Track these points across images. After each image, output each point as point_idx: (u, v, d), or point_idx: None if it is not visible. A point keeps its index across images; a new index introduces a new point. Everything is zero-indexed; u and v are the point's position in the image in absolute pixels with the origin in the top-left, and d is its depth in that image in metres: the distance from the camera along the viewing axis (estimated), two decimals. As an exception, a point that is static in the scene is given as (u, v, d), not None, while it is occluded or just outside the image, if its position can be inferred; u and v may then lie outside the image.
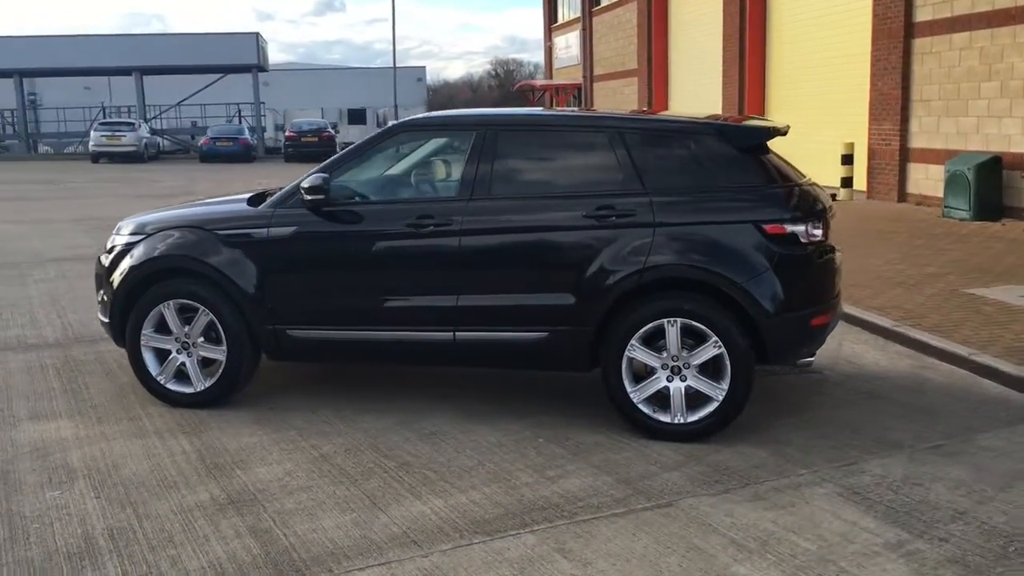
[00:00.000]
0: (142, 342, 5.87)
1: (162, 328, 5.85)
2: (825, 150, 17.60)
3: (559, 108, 6.24)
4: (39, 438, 5.40)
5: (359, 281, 5.63)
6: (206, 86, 45.19)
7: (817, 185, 5.69)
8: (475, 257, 5.43)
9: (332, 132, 38.36)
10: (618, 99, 32.47)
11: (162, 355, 5.89)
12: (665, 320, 5.18)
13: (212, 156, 36.50)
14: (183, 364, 5.85)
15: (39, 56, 41.98)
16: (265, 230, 5.72)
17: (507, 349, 5.46)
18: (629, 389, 5.27)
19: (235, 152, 36.62)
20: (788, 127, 5.73)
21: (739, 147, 5.28)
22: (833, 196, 16.59)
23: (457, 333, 5.46)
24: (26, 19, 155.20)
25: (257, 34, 44.64)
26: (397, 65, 54.30)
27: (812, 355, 5.52)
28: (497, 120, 5.68)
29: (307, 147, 36.28)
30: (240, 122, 45.37)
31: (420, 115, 6.09)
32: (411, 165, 6.05)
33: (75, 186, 25.62)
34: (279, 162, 36.83)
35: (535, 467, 4.91)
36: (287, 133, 38.63)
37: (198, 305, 5.75)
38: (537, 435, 5.36)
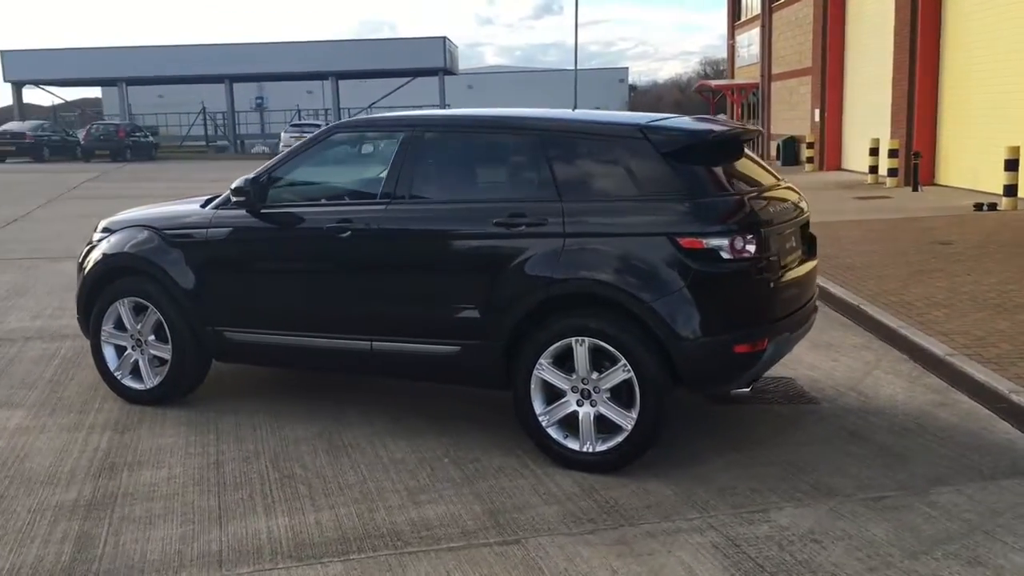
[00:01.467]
0: (102, 337, 6.01)
1: (120, 325, 5.96)
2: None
3: (503, 109, 5.82)
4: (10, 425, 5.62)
5: (286, 285, 5.53)
6: (395, 89, 46.76)
7: (778, 197, 5.08)
8: (388, 264, 5.20)
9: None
10: (794, 99, 31.01)
11: (121, 351, 6.00)
12: (573, 339, 4.75)
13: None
14: (137, 361, 5.94)
15: (251, 62, 44.87)
16: (205, 231, 5.71)
17: (421, 362, 5.18)
18: (538, 412, 4.87)
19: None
20: (738, 132, 5.16)
21: (663, 152, 4.76)
22: (990, 206, 15.31)
23: (373, 343, 5.24)
24: (263, 28, 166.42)
25: (444, 38, 45.71)
26: (601, 67, 54.10)
27: (746, 386, 4.90)
28: (423, 122, 5.40)
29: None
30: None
31: (356, 117, 5.90)
32: (343, 168, 5.87)
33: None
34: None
35: (414, 489, 4.62)
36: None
37: (148, 304, 5.82)
38: (447, 455, 5.06)
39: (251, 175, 5.54)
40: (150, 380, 5.90)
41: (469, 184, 5.27)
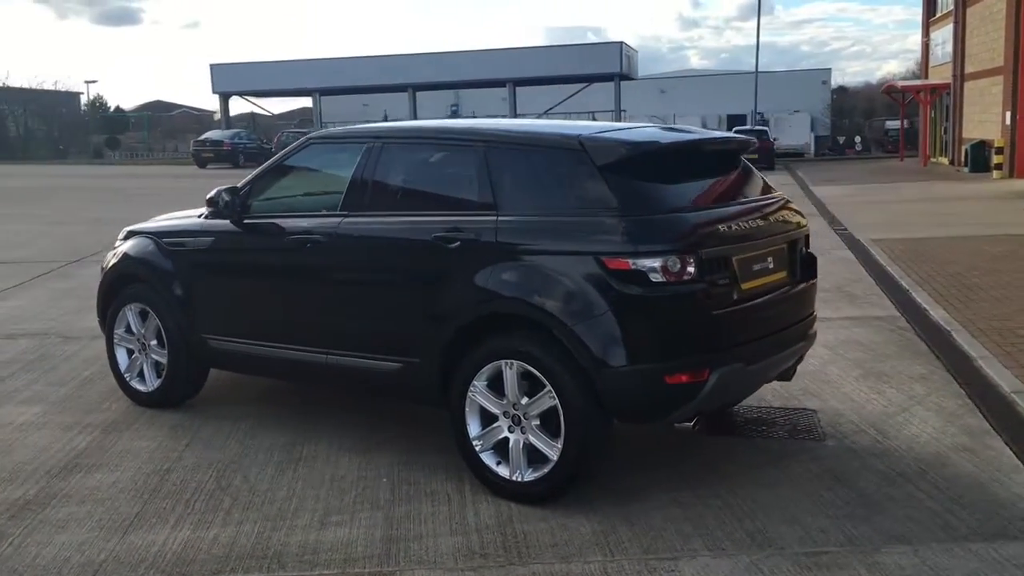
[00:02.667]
0: (115, 340, 6.26)
1: (130, 329, 6.18)
2: None
3: (472, 119, 5.62)
4: (7, 420, 5.95)
5: (258, 295, 5.56)
6: (569, 96, 46.81)
7: (751, 214, 4.64)
8: (342, 278, 5.13)
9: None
10: (986, 100, 28.72)
11: (132, 354, 6.23)
12: (503, 362, 4.51)
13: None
14: (142, 364, 6.15)
15: (433, 71, 46.21)
16: (193, 240, 5.84)
17: (369, 377, 5.07)
18: (472, 435, 4.66)
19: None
20: (700, 141, 4.76)
21: (600, 164, 4.43)
22: None
23: (329, 356, 5.18)
24: (457, 36, 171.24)
25: (621, 43, 45.38)
26: (802, 68, 52.23)
27: (689, 419, 4.47)
28: (384, 133, 5.28)
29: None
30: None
31: (332, 128, 5.84)
32: (315, 179, 5.82)
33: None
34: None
35: (332, 509, 4.51)
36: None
37: (149, 310, 6.02)
38: (390, 474, 4.92)
39: (235, 185, 5.62)
40: (152, 383, 6.09)
41: (415, 197, 5.11)
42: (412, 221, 4.90)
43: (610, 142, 4.52)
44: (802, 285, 5.03)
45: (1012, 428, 5.45)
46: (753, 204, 4.80)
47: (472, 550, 4.07)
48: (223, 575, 3.89)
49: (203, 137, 41.94)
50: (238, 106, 56.84)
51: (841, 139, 55.62)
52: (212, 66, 49.62)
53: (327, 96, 50.15)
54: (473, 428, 4.64)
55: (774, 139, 42.89)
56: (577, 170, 4.47)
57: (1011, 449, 5.15)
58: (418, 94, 48.88)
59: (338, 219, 5.14)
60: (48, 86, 70.47)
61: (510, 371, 4.48)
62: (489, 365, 4.54)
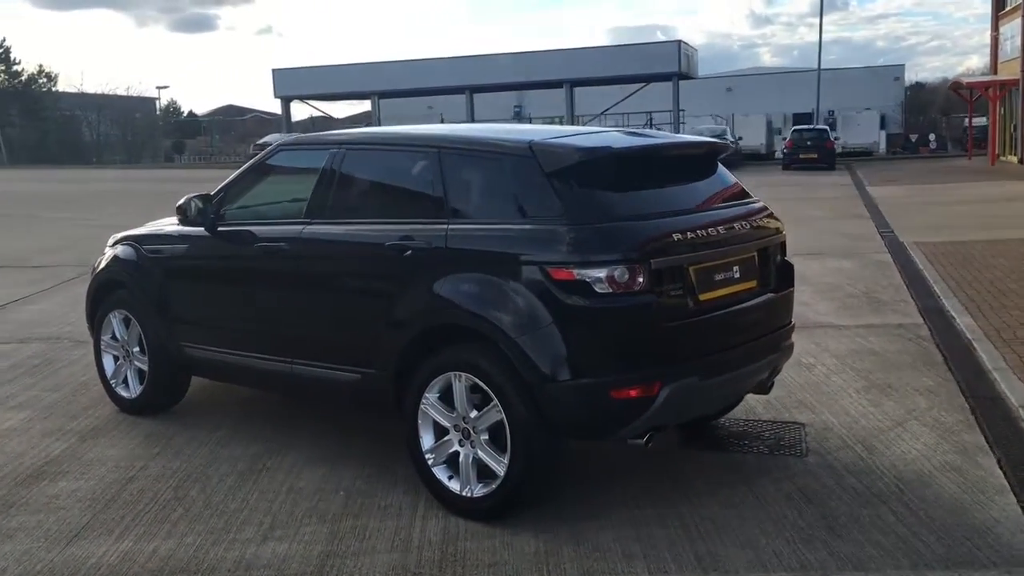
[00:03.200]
0: (101, 346, 6.29)
1: (115, 335, 6.21)
2: None
3: (432, 126, 5.52)
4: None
5: (227, 303, 5.54)
6: (627, 96, 46.44)
7: (716, 222, 4.45)
8: (302, 286, 5.06)
9: (730, 140, 37.17)
10: (1053, 96, 27.68)
11: (118, 360, 6.25)
12: (453, 374, 4.39)
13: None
14: (127, 370, 6.17)
15: (491, 73, 46.26)
16: (170, 247, 5.83)
17: (330, 387, 5.00)
18: (424, 448, 4.55)
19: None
20: (661, 146, 4.59)
21: (548, 171, 4.28)
22: None
23: (293, 365, 5.12)
24: (521, 38, 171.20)
25: (679, 42, 44.83)
26: (875, 64, 50.79)
27: (640, 436, 4.29)
28: (346, 140, 5.20)
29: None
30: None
31: (300, 135, 5.77)
32: (284, 187, 5.75)
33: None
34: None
35: (279, 523, 4.44)
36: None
37: (132, 317, 6.03)
38: (349, 488, 4.83)
39: (208, 193, 5.61)
40: (135, 390, 6.11)
41: (373, 205, 5.03)
42: (368, 229, 4.81)
43: (560, 148, 4.37)
44: (774, 295, 4.82)
45: (1008, 445, 5.16)
46: (718, 211, 4.61)
47: (406, 568, 3.96)
48: (146, 590, 3.84)
49: (261, 141, 42.50)
50: (307, 110, 57.61)
51: (914, 137, 54.21)
52: (274, 71, 50.38)
53: (390, 99, 50.45)
54: (426, 441, 4.54)
55: (836, 138, 41.99)
56: (526, 176, 4.34)
57: (1001, 468, 4.86)
58: (483, 96, 48.98)
59: (300, 227, 5.08)
60: (121, 92, 72.30)
61: (459, 384, 4.36)
62: (440, 377, 4.43)
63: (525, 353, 4.11)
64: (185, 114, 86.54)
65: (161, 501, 4.73)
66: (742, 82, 66.19)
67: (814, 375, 6.70)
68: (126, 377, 6.16)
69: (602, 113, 47.81)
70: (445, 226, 4.47)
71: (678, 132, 44.76)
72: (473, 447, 4.38)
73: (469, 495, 4.39)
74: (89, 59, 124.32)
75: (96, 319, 6.29)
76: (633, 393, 4.10)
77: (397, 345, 4.55)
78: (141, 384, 6.05)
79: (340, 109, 63.09)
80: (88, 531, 4.40)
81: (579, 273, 4.04)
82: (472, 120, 48.76)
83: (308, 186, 5.24)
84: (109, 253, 6.28)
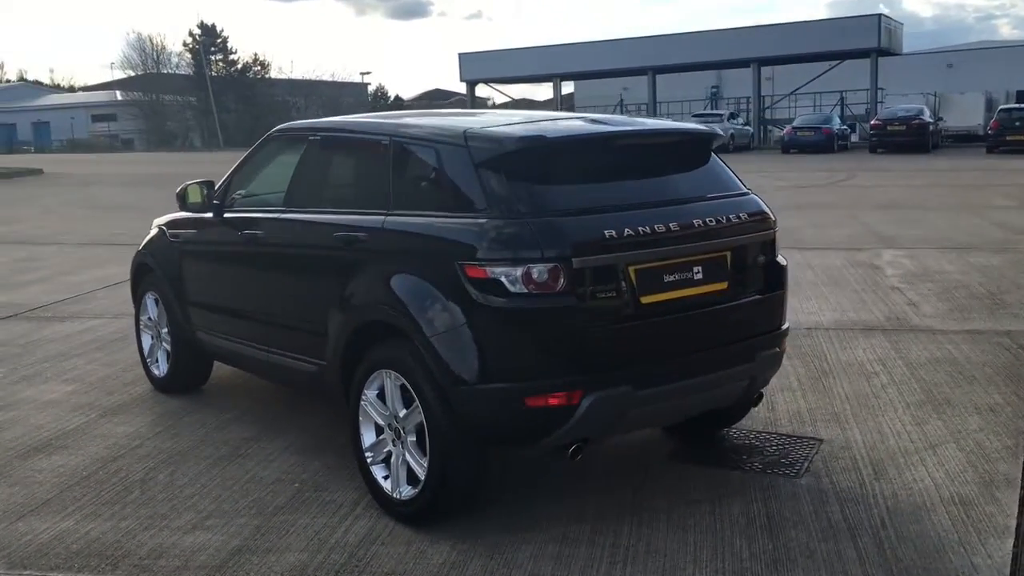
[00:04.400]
0: (140, 325, 6.54)
1: (150, 315, 6.44)
2: None
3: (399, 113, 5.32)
4: (28, 396, 6.38)
5: (225, 289, 5.60)
6: (821, 73, 44.26)
7: (672, 218, 4.06)
8: (273, 275, 5.05)
9: (926, 120, 34.61)
10: None
11: (153, 339, 6.49)
12: (384, 371, 4.24)
13: (793, 146, 35.75)
14: (158, 350, 6.39)
15: (672, 53, 45.32)
16: (184, 233, 5.96)
17: (296, 377, 4.99)
18: (364, 446, 4.42)
19: (816, 142, 35.30)
20: (612, 134, 4.24)
21: (478, 161, 4.02)
22: None
23: (269, 353, 5.13)
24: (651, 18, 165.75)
25: (879, 16, 42.28)
26: None
27: (567, 446, 3.97)
28: (323, 128, 5.11)
29: (893, 136, 33.54)
30: (842, 110, 43.28)
31: (293, 122, 5.70)
32: (275, 174, 5.70)
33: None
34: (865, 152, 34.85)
35: (219, 512, 4.43)
36: (872, 122, 36.07)
37: (159, 298, 6.24)
38: (308, 481, 4.77)
39: (211, 180, 5.69)
40: (163, 369, 6.31)
41: (334, 194, 4.93)
42: (326, 219, 4.72)
43: (492, 137, 4.10)
44: (753, 298, 4.37)
45: (1046, 481, 4.48)
46: (679, 207, 4.19)
47: (304, 570, 3.85)
48: (56, 571, 3.91)
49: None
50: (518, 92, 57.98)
51: None
52: (460, 55, 51.40)
53: (586, 81, 50.37)
54: (366, 438, 4.41)
55: None
56: (458, 167, 4.11)
57: (1020, 508, 4.22)
58: (679, 77, 48.04)
59: (276, 215, 5.06)
60: (326, 78, 75.76)
61: (390, 381, 4.21)
62: (375, 374, 4.29)
63: (438, 354, 3.90)
64: (392, 98, 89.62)
65: (127, 482, 4.84)
66: (965, 57, 61.37)
67: (870, 386, 6.08)
68: (158, 356, 6.38)
69: (792, 92, 45.80)
70: (383, 218, 4.32)
71: (874, 112, 42.34)
72: (403, 448, 4.22)
73: (398, 497, 4.23)
74: (301, 47, 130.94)
75: (136, 298, 6.54)
76: (552, 401, 3.81)
77: (341, 339, 4.45)
78: (168, 363, 6.24)
79: (543, 92, 63.36)
80: (44, 507, 4.55)
81: (492, 271, 3.78)
82: (654, 102, 47.95)
83: (285, 174, 5.23)
84: (147, 236, 6.50)
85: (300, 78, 73.90)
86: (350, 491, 4.60)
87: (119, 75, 79.10)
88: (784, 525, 4.12)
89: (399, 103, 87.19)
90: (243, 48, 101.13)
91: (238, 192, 5.62)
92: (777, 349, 4.51)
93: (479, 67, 51.04)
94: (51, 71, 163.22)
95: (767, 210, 4.54)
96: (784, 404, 5.75)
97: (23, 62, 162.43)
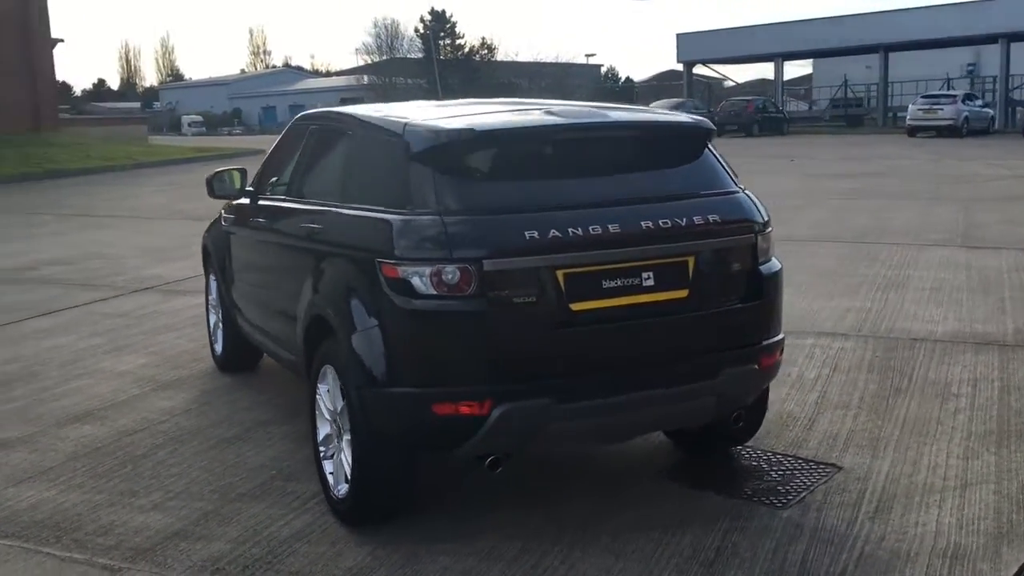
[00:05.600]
0: (208, 304, 6.83)
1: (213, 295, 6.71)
2: None
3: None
4: (107, 366, 6.81)
5: (244, 275, 5.72)
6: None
7: (614, 220, 3.74)
8: (271, 264, 5.12)
9: None
10: None
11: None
12: (327, 366, 4.18)
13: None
14: (219, 328, 6.64)
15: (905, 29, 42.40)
16: (228, 218, 6.12)
17: (289, 367, 5.03)
18: (319, 439, 4.39)
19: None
20: (548, 128, 3.95)
21: (411, 153, 3.85)
22: None
23: (269, 339, 5.20)
24: None
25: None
26: None
27: (483, 457, 3.73)
28: (318, 117, 5.10)
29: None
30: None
31: (312, 110, 5.64)
32: (292, 161, 5.66)
33: (802, 163, 25.78)
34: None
35: (183, 494, 4.50)
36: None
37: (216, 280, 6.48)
38: (288, 469, 4.78)
39: (243, 168, 5.81)
40: (219, 348, 6.56)
41: (311, 185, 4.89)
42: (299, 209, 4.74)
43: (427, 129, 3.91)
44: (719, 310, 3.95)
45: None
46: (631, 206, 3.84)
47: (218, 560, 3.85)
48: (5, 539, 4.10)
49: (653, 106, 42.69)
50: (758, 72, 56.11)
51: None
52: (679, 35, 50.35)
53: (828, 59, 48.05)
54: (320, 432, 4.37)
55: None
56: (395, 159, 3.96)
57: (1021, 571, 3.59)
58: (922, 54, 44.93)
59: (275, 204, 5.12)
60: (550, 59, 76.35)
61: (331, 377, 4.14)
62: (323, 368, 4.23)
63: (355, 352, 3.80)
64: (622, 80, 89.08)
65: (127, 457, 5.04)
66: None
67: (940, 409, 5.41)
68: (219, 335, 6.63)
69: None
70: (334, 210, 4.25)
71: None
72: (340, 444, 4.15)
73: (336, 495, 4.17)
74: (528, 30, 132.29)
75: (205, 278, 6.83)
76: (462, 410, 3.61)
77: (299, 332, 4.43)
78: (222, 343, 6.48)
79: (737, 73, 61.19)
80: (43, 475, 4.81)
81: (403, 270, 3.62)
82: (885, 81, 45.00)
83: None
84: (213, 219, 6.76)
85: (525, 60, 74.87)
86: (316, 484, 4.56)
87: (366, 60, 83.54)
88: (730, 563, 3.72)
89: (630, 85, 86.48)
90: (471, 32, 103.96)
91: (272, 179, 5.71)
92: (753, 366, 4.04)
93: (697, 47, 49.82)
94: (312, 57, 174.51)
95: (752, 213, 4.09)
96: (826, 424, 5.21)
97: (289, 48, 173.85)
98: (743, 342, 4.03)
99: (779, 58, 48.09)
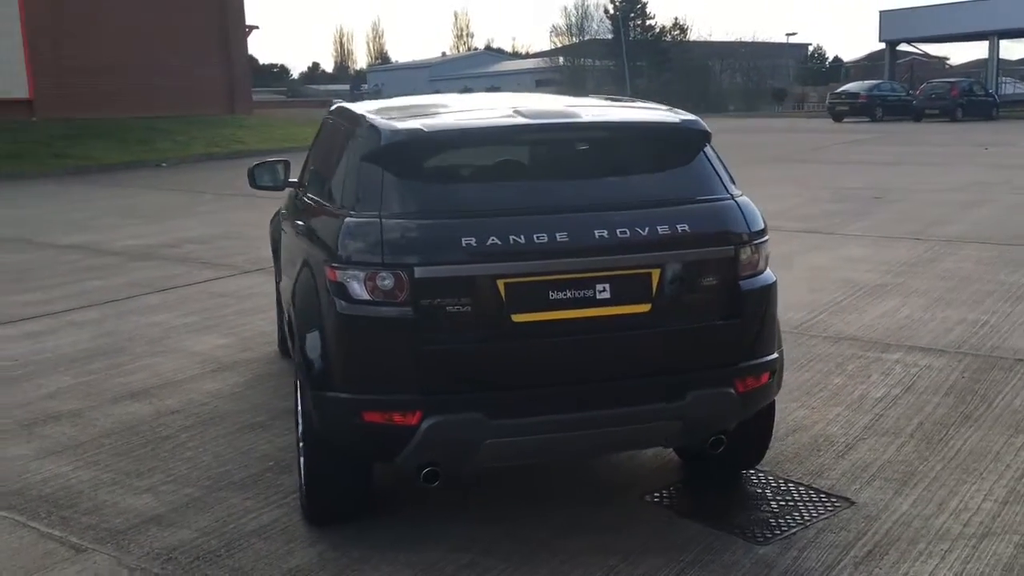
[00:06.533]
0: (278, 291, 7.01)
1: (281, 282, 6.88)
2: None
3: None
4: (186, 345, 7.12)
5: (283, 269, 5.78)
6: None
7: (563, 227, 3.53)
8: (291, 260, 5.13)
9: None
10: None
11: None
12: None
13: None
14: (284, 314, 6.80)
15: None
16: (283, 208, 6.23)
17: None
18: (299, 435, 4.39)
19: None
20: (477, 129, 3.76)
21: (364, 152, 3.76)
22: None
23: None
24: None
25: None
26: None
27: (415, 468, 3.60)
28: (331, 112, 5.04)
29: None
30: None
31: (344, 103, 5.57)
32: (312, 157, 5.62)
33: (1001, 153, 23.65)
34: None
35: (179, 482, 4.62)
36: None
37: (278, 267, 6.64)
38: (285, 461, 4.84)
39: (285, 159, 5.87)
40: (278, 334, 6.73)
41: (311, 179, 4.87)
42: (303, 206, 4.73)
43: (377, 128, 3.81)
44: (689, 327, 3.65)
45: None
46: (587, 214, 3.60)
47: (172, 551, 3.93)
48: (5, 511, 4.35)
49: (840, 89, 40.41)
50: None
51: None
52: (881, 12, 47.66)
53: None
54: (299, 429, 4.38)
55: None
56: (353, 159, 3.91)
57: None
58: None
59: (298, 198, 5.16)
60: (746, 39, 73.93)
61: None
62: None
63: (302, 353, 3.78)
64: (830, 60, 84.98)
65: (151, 437, 5.22)
66: None
67: (1004, 442, 4.85)
68: (284, 320, 6.80)
69: None
70: (315, 207, 4.24)
71: None
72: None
73: (302, 492, 4.17)
74: (726, 7, 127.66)
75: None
76: (393, 419, 3.52)
77: (286, 330, 4.46)
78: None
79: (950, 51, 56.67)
80: (70, 451, 5.06)
81: (341, 274, 3.56)
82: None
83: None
84: (281, 208, 6.91)
85: (719, 40, 72.87)
86: (305, 478, 4.60)
87: (556, 43, 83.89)
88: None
89: (838, 66, 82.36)
90: (662, 13, 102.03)
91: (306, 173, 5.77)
92: (726, 390, 3.71)
93: (902, 25, 46.88)
94: (513, 39, 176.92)
95: (734, 223, 3.75)
96: (863, 452, 4.77)
97: (492, 30, 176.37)
98: (716, 363, 3.71)
99: (994, 36, 44.52)
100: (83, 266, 10.39)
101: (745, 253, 3.74)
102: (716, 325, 3.70)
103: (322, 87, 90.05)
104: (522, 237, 3.48)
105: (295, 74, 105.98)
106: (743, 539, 3.90)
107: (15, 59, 24.76)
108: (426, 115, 4.02)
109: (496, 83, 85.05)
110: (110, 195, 17.66)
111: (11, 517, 4.29)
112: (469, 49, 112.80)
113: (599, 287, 3.54)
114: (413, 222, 3.52)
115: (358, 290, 3.49)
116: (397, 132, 3.72)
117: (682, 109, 4.29)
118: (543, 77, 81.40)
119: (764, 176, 16.88)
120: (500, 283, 3.46)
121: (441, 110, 4.25)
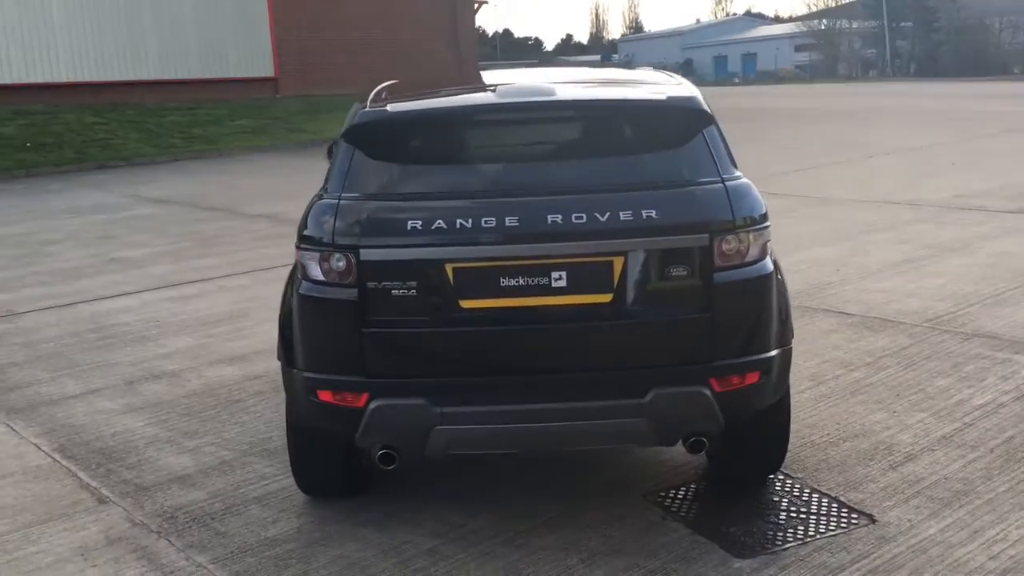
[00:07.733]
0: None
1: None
2: None
3: None
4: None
5: None
6: None
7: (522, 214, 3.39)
8: None
9: None
10: None
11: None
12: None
13: None
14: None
15: None
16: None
17: None
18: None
19: None
20: (442, 110, 3.63)
21: (343, 132, 3.75)
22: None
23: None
24: None
25: None
26: None
27: (384, 460, 3.57)
28: None
29: None
30: None
31: None
32: None
33: None
34: None
35: (223, 443, 4.86)
36: None
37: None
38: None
39: None
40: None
41: None
42: None
43: (356, 110, 3.79)
44: (655, 320, 3.40)
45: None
46: (546, 197, 3.42)
47: (175, 511, 4.15)
48: (66, 459, 4.74)
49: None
50: None
51: None
52: None
53: None
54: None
55: None
56: (341, 137, 3.88)
57: None
58: None
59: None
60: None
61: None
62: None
63: (279, 330, 3.87)
64: None
65: (225, 400, 5.50)
66: None
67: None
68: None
69: None
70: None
71: None
72: (301, 418, 4.25)
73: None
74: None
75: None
76: (345, 399, 3.53)
77: None
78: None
79: None
80: (151, 408, 5.40)
81: (301, 254, 3.61)
82: None
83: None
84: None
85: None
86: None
87: (813, 7, 79.90)
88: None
89: None
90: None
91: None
92: (699, 389, 3.42)
93: None
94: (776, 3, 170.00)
95: (714, 209, 3.43)
96: (923, 465, 4.27)
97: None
98: (686, 359, 3.43)
99: None
100: (264, 235, 11.09)
101: (728, 242, 3.42)
102: (688, 319, 3.41)
103: (572, 58, 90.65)
104: (469, 221, 3.36)
105: (550, 46, 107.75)
106: (724, 550, 3.60)
107: (263, 40, 26.69)
108: (427, 95, 3.97)
109: (752, 49, 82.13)
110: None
111: (67, 466, 4.69)
112: (728, 15, 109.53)
113: (554, 275, 3.37)
114: (363, 204, 3.50)
115: (315, 271, 3.52)
116: (365, 114, 3.70)
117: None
118: (802, 42, 77.73)
119: (993, 148, 15.35)
120: (448, 267, 3.37)
121: (456, 90, 4.16)
